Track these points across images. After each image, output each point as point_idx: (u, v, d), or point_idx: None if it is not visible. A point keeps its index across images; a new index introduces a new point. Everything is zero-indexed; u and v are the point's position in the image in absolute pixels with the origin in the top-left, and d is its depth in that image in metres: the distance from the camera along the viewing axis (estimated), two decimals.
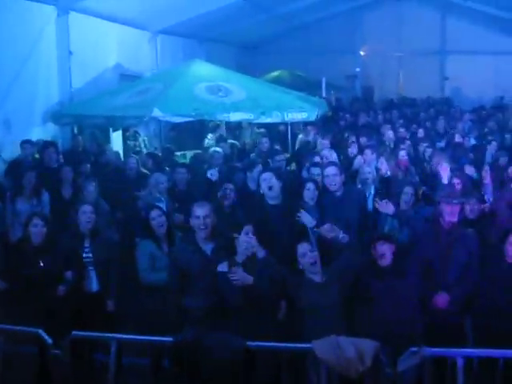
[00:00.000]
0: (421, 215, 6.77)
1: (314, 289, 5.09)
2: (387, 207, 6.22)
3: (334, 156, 8.93)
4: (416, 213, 6.90)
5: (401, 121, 14.75)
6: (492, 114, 17.86)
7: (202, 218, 5.40)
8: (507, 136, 12.46)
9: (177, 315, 5.44)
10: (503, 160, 10.02)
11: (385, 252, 5.27)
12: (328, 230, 5.44)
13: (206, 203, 5.67)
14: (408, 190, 7.06)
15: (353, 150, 10.27)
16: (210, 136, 13.19)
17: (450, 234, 5.44)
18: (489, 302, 5.14)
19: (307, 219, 6.01)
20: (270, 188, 6.49)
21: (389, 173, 8.39)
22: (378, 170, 8.46)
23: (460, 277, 5.38)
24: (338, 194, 6.80)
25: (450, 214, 5.41)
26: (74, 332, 4.76)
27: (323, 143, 10.38)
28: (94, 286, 6.29)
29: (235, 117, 10.14)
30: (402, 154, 9.38)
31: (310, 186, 6.88)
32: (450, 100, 23.36)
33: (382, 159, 8.68)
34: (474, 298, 5.36)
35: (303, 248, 5.18)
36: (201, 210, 5.43)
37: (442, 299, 5.30)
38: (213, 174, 7.98)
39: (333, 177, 6.77)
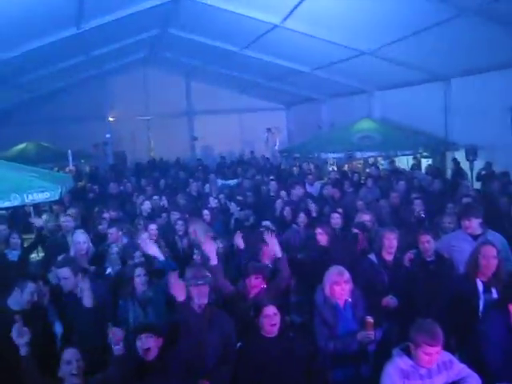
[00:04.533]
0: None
1: None
2: None
3: (82, 238, 8.28)
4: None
5: (149, 187, 14.54)
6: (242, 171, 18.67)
7: None
8: (249, 194, 13.00)
9: None
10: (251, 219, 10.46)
11: (150, 346, 4.69)
12: None
13: None
14: (139, 271, 6.44)
15: (104, 225, 9.76)
16: None
17: (202, 317, 5.19)
18: None
19: None
20: None
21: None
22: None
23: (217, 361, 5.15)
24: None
25: (198, 296, 5.23)
26: None
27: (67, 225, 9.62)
28: None
29: None
30: (152, 226, 9.07)
31: None
32: (201, 160, 24.13)
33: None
34: None
35: None
36: None
37: None
38: None
39: (64, 280, 6.30)
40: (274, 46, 17.20)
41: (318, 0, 12.28)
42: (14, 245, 8.75)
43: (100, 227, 9.73)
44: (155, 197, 12.41)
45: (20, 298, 5.77)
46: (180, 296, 5.34)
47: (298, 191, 12.33)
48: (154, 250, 6.85)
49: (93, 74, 23.76)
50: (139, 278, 6.30)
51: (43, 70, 18.44)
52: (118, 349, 4.87)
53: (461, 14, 10.93)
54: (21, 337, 4.78)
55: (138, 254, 7.38)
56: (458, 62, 14.05)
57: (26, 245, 9.04)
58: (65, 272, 6.32)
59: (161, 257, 6.83)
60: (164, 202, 12.24)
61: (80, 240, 7.90)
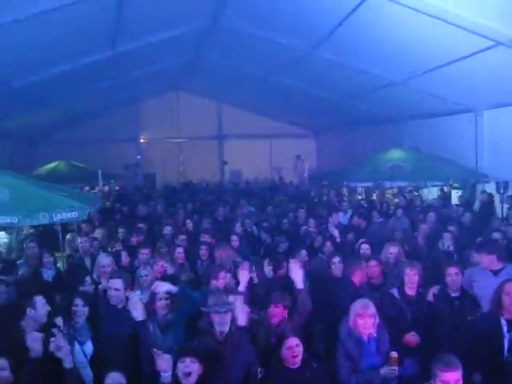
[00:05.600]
0: None
1: None
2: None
3: (107, 261, 8.28)
4: None
5: (181, 211, 14.57)
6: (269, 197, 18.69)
7: None
8: (285, 221, 12.98)
9: None
10: (283, 246, 10.39)
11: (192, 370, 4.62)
12: None
13: None
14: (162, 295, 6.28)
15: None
16: None
17: (223, 345, 5.15)
18: None
19: None
20: None
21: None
22: None
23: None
24: (120, 306, 6.35)
25: (219, 323, 5.20)
26: None
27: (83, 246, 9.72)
28: None
29: None
30: (179, 250, 9.09)
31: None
32: (229, 185, 24.27)
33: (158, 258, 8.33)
34: None
35: None
36: None
37: None
38: None
39: (115, 291, 6.33)
40: (305, 72, 17.30)
41: (350, 28, 12.30)
42: (47, 264, 8.84)
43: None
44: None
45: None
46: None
47: (334, 219, 12.24)
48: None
49: (126, 95, 24.13)
50: (161, 302, 6.28)
51: (77, 92, 18.76)
52: (166, 376, 4.68)
53: (495, 45, 10.83)
54: (59, 350, 4.77)
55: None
56: (491, 94, 13.91)
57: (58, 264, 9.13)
58: (117, 283, 6.36)
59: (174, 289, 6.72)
60: (190, 225, 12.26)
61: (105, 263, 7.93)
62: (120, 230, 11.34)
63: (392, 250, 8.18)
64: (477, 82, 13.25)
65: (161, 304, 6.27)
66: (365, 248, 8.77)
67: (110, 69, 16.76)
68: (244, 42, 15.72)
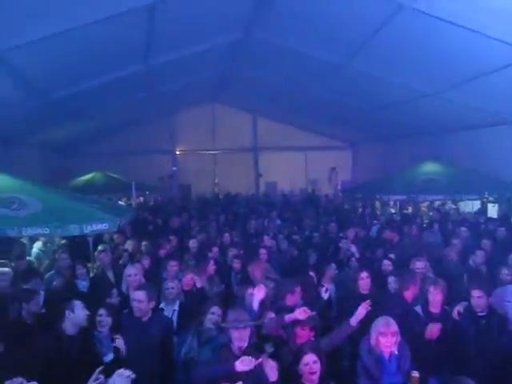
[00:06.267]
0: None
1: None
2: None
3: (133, 270, 8.32)
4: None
5: (213, 223, 14.62)
6: (303, 209, 18.58)
7: None
8: (316, 234, 12.89)
9: None
10: (313, 258, 10.33)
11: None
12: None
13: None
14: (214, 309, 6.44)
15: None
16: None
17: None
18: None
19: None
20: None
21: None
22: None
23: None
24: (145, 319, 6.42)
25: (238, 339, 5.16)
26: None
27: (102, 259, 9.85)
28: None
29: (29, 231, 9.34)
30: (211, 263, 9.11)
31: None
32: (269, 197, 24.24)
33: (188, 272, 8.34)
34: None
35: None
36: None
37: None
38: None
39: (138, 303, 6.38)
40: (339, 83, 17.24)
41: (384, 39, 12.21)
42: (81, 275, 8.97)
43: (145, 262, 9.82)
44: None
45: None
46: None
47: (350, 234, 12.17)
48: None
49: (160, 108, 24.32)
50: (212, 316, 6.30)
51: (111, 104, 19.05)
52: None
53: None
54: None
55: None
56: None
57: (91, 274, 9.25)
58: (140, 295, 6.41)
59: None
60: (227, 238, 12.27)
61: (131, 273, 7.99)
62: (143, 243, 11.39)
63: (419, 265, 8.03)
64: None
65: (211, 317, 6.29)
66: (386, 264, 8.64)
67: (144, 81, 16.97)
68: (277, 54, 15.72)
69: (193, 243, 11.22)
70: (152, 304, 6.50)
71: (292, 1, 11.98)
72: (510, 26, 9.89)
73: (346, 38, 13.16)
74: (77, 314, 5.90)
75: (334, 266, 9.14)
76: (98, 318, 6.26)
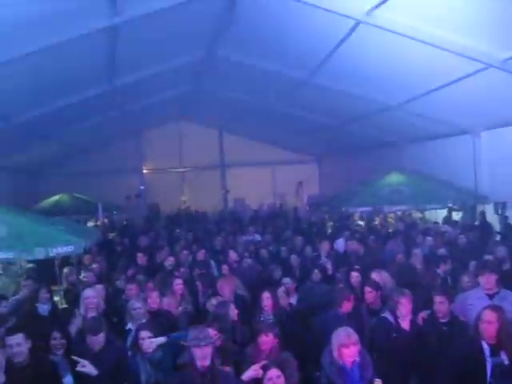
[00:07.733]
0: None
1: None
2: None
3: (91, 293, 8.22)
4: None
5: (182, 241, 14.58)
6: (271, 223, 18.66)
7: None
8: (283, 248, 12.95)
9: None
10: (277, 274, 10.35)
11: None
12: None
13: None
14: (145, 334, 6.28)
15: (121, 282, 9.85)
16: None
17: (204, 379, 5.10)
18: None
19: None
20: None
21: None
22: None
23: None
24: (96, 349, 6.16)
25: (200, 357, 5.13)
26: None
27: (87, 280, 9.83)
28: None
29: None
30: (177, 281, 9.07)
31: None
32: (235, 213, 24.29)
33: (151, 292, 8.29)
34: None
35: None
36: None
37: None
38: None
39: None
40: (303, 99, 17.47)
41: (343, 55, 12.46)
42: (43, 299, 8.87)
43: (117, 282, 9.83)
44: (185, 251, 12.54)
45: None
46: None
47: (323, 247, 12.23)
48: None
49: (127, 127, 24.31)
50: (142, 341, 6.25)
51: (78, 125, 18.95)
52: None
53: (486, 68, 10.92)
54: None
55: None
56: (487, 116, 13.96)
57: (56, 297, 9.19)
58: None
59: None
60: (185, 256, 12.28)
61: (90, 295, 7.93)
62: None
63: (377, 277, 8.19)
64: (472, 103, 13.31)
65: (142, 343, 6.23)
66: (354, 276, 8.75)
67: (109, 101, 16.99)
68: (240, 71, 15.87)
69: (168, 261, 11.19)
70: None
71: (252, 20, 12.16)
72: (467, 40, 10.21)
73: (308, 55, 13.39)
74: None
75: (288, 280, 9.26)
76: (53, 342, 6.20)
